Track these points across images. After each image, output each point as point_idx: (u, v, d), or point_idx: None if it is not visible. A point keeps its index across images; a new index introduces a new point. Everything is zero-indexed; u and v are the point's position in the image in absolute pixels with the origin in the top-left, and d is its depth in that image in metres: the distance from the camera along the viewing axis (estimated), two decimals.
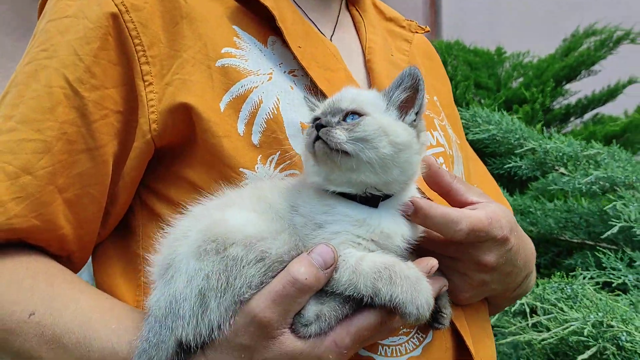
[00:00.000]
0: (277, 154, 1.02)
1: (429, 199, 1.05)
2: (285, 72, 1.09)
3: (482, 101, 3.41)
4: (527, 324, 1.74)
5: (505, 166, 2.36)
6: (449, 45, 3.89)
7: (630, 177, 2.12)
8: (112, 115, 1.03)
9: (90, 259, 1.14)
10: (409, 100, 0.94)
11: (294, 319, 0.87)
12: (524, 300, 1.77)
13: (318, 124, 0.89)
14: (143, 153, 1.04)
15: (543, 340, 1.63)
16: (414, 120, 0.94)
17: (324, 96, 1.07)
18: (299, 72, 1.09)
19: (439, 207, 0.93)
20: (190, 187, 1.03)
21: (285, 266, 0.87)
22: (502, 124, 2.31)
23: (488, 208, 0.99)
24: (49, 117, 1.00)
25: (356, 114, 0.90)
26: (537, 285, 1.85)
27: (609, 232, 1.89)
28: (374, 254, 0.89)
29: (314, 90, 1.08)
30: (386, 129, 0.89)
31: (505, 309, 1.80)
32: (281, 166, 1.02)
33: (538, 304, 1.78)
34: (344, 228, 0.89)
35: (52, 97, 1.01)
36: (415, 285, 0.86)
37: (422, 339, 1.03)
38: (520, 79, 3.76)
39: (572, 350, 1.65)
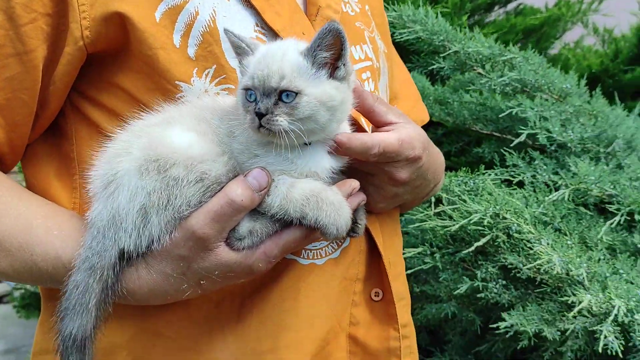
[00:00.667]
0: (213, 67, 1.04)
1: (359, 126, 1.13)
2: None
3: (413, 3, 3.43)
4: (432, 213, 1.96)
5: (429, 67, 2.47)
6: None
7: (540, 81, 2.30)
8: (41, 18, 1.01)
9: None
10: (334, 54, 0.95)
11: (229, 234, 0.97)
12: None
13: (259, 113, 0.91)
14: (74, 59, 1.04)
15: (446, 227, 1.86)
16: (344, 73, 0.97)
17: (256, 11, 1.08)
18: None
19: (357, 139, 1.02)
20: (124, 94, 1.06)
21: (223, 187, 0.95)
22: (427, 24, 2.38)
23: (403, 130, 1.08)
24: None
25: (290, 91, 0.92)
26: (445, 178, 2.05)
27: (517, 140, 2.08)
28: (303, 181, 0.98)
29: (250, 5, 1.09)
30: (322, 99, 0.93)
31: None
32: (217, 80, 1.05)
33: (444, 194, 1.99)
34: (276, 162, 0.97)
35: None
36: (338, 210, 0.97)
37: (340, 243, 1.17)
38: None
39: (469, 237, 1.90)
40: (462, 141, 2.78)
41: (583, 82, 2.47)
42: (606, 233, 1.88)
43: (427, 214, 1.95)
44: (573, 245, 1.74)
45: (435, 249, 1.95)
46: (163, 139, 0.96)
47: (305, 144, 0.99)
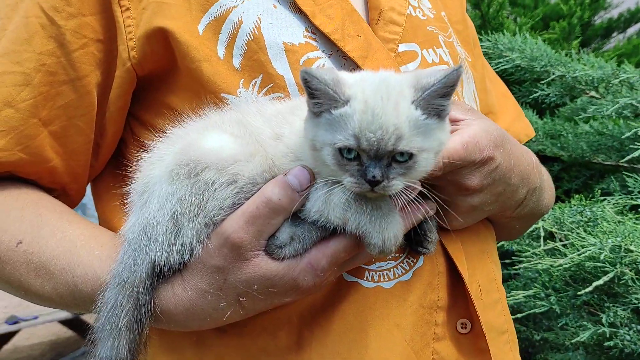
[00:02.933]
0: (260, 77, 0.99)
1: None
2: None
3: (518, 19, 3.27)
4: (542, 250, 1.74)
5: (532, 95, 2.28)
6: None
7: None
8: (92, 44, 1.02)
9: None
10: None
11: (268, 242, 0.87)
12: (539, 224, 1.76)
13: (372, 181, 0.80)
14: (125, 82, 1.03)
15: (559, 266, 1.64)
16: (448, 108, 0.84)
17: (306, 17, 1.02)
18: None
19: None
20: (176, 115, 1.01)
21: (260, 188, 0.87)
22: (525, 50, 2.21)
23: (468, 130, 0.95)
24: (26, 49, 0.99)
25: (407, 152, 0.80)
26: (555, 209, 1.83)
27: (629, 156, 1.83)
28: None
29: (299, 10, 1.03)
30: (437, 150, 0.83)
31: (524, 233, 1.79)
32: (264, 89, 0.99)
33: (555, 229, 1.76)
34: (324, 170, 0.86)
35: (29, 28, 1.00)
36: (385, 217, 0.85)
37: (412, 264, 1.02)
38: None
39: (590, 276, 1.65)
40: (584, 176, 2.51)
41: None
42: None
43: (535, 252, 1.73)
44: None
45: (550, 290, 1.72)
46: (196, 143, 0.90)
47: None
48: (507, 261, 1.99)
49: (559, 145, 2.37)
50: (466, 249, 1.06)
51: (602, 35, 3.55)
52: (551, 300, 1.69)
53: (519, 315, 1.60)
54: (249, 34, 1.00)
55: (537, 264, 1.72)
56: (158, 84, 1.05)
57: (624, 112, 2.05)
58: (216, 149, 0.89)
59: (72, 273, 0.97)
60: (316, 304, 0.99)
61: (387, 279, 1.00)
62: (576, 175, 2.54)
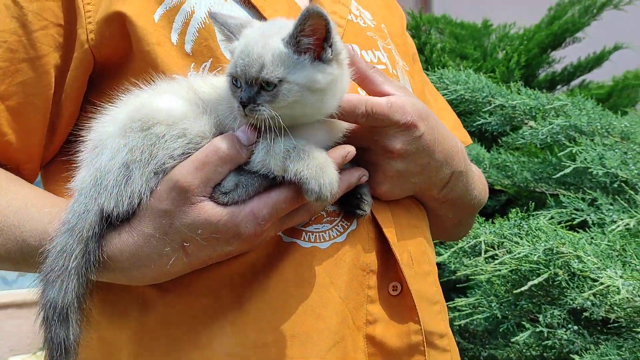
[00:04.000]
0: (209, 61, 1.07)
1: None
2: None
3: (461, 66, 3.47)
4: (482, 260, 1.80)
5: (476, 123, 2.42)
6: (435, 19, 3.96)
7: (594, 124, 2.17)
8: (52, 27, 1.09)
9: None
10: (318, 38, 0.92)
11: (214, 189, 0.92)
12: (481, 238, 1.83)
13: (241, 102, 0.91)
14: (83, 64, 1.09)
15: (496, 271, 1.69)
16: (330, 54, 0.94)
17: (255, 10, 1.12)
18: None
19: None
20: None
21: (208, 142, 0.94)
22: (469, 83, 2.36)
23: (395, 97, 1.03)
24: None
25: (269, 83, 0.91)
26: (495, 224, 1.91)
27: (562, 173, 1.94)
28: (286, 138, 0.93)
29: (249, 5, 1.12)
30: (305, 85, 0.92)
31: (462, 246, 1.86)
32: (213, 73, 1.07)
33: (496, 239, 1.83)
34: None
35: None
36: (322, 165, 0.92)
37: (346, 227, 1.07)
38: (506, 50, 3.81)
39: (526, 280, 1.71)
40: (528, 205, 2.60)
41: None
42: None
43: (476, 260, 1.79)
44: None
45: (492, 297, 1.77)
46: (148, 103, 0.97)
47: None
48: (453, 278, 2.04)
49: (504, 174, 2.47)
50: (396, 220, 1.12)
51: (547, 88, 3.76)
52: (492, 307, 1.74)
53: (464, 321, 1.64)
54: (200, 22, 1.09)
55: (477, 275, 1.77)
56: (115, 70, 1.12)
57: (559, 136, 2.18)
58: (167, 108, 0.96)
59: (21, 229, 1.00)
60: (256, 263, 1.03)
61: (322, 240, 1.05)
62: (523, 204, 2.64)
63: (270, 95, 0.91)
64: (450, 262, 1.99)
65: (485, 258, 1.78)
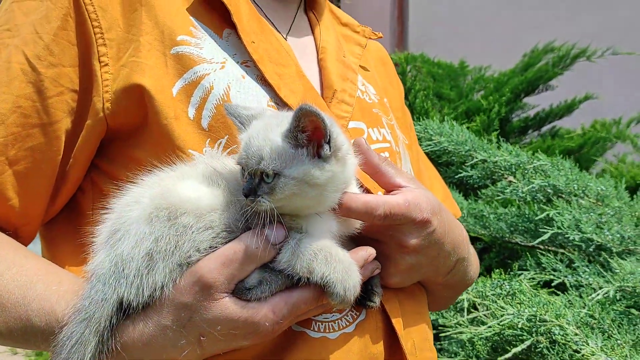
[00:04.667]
0: (225, 137, 1.07)
1: (367, 189, 1.10)
2: (238, 62, 1.13)
3: (442, 111, 3.53)
4: (465, 319, 1.82)
5: (457, 176, 2.46)
6: (412, 57, 4.02)
7: (571, 185, 2.23)
8: (68, 93, 1.07)
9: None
10: (315, 131, 0.92)
11: (237, 285, 0.92)
12: (464, 296, 1.85)
13: (244, 193, 0.92)
14: (95, 131, 1.08)
15: (480, 334, 1.72)
16: (329, 150, 0.94)
17: (271, 89, 1.12)
18: (251, 64, 1.13)
19: (359, 198, 0.98)
20: (139, 168, 1.06)
21: (234, 236, 0.93)
22: (452, 135, 2.41)
23: (410, 193, 1.04)
24: (4, 90, 1.04)
25: (267, 173, 0.92)
26: (477, 283, 1.94)
27: (540, 239, 1.99)
28: (313, 237, 0.95)
29: (265, 83, 1.13)
30: (301, 179, 0.92)
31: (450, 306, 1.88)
32: (228, 149, 1.07)
33: (478, 299, 1.86)
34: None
35: (10, 72, 1.05)
36: (347, 268, 0.93)
37: (355, 317, 1.07)
38: (481, 92, 3.90)
39: (509, 345, 1.74)
40: (503, 254, 2.66)
41: (622, 186, 2.39)
42: None
43: (459, 322, 1.81)
44: (625, 345, 1.56)
45: (474, 358, 1.79)
46: (174, 190, 0.96)
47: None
48: (434, 332, 2.05)
49: (481, 224, 2.52)
50: (403, 308, 1.14)
51: (519, 132, 3.86)
52: None
53: None
54: (218, 98, 1.09)
55: (460, 333, 1.80)
56: (126, 137, 1.11)
57: (537, 195, 2.24)
58: (194, 198, 0.95)
59: (26, 307, 0.97)
60: (265, 351, 1.02)
61: (332, 330, 1.06)
62: (496, 254, 2.70)
63: (269, 187, 0.92)
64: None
65: (469, 319, 1.80)
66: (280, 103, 1.13)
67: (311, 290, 0.94)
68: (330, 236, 0.98)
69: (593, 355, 1.50)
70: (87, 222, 1.11)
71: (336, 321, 1.06)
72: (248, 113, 1.00)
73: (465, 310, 1.85)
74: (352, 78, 1.28)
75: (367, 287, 1.04)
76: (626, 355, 1.50)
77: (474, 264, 1.33)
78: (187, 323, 0.91)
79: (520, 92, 3.82)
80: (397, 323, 1.10)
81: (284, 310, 0.93)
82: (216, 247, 0.93)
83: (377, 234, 1.05)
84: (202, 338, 0.92)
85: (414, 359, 1.11)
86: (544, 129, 3.94)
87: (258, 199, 0.91)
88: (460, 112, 3.19)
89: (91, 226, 1.08)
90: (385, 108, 1.36)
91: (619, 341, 1.56)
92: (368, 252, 0.99)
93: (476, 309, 1.91)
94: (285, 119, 0.96)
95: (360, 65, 1.36)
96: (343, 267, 0.92)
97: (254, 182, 0.93)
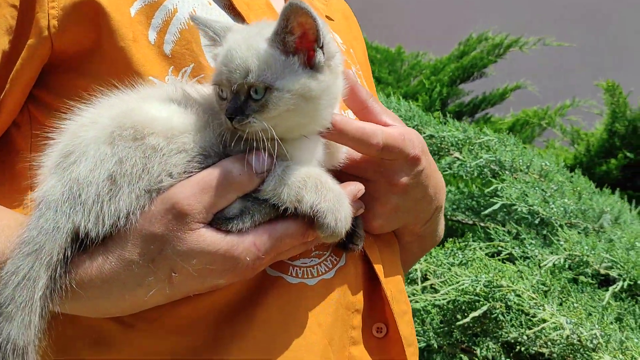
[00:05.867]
0: (191, 66, 0.96)
1: None
2: None
3: (383, 92, 3.53)
4: (419, 288, 1.79)
5: None
6: None
7: (517, 160, 2.26)
8: (5, 7, 0.93)
9: None
10: (304, 36, 0.83)
11: (215, 215, 0.82)
12: (417, 266, 1.82)
13: (229, 117, 0.81)
14: (37, 53, 0.94)
15: (436, 300, 1.69)
16: (323, 58, 0.85)
17: (239, 17, 1.03)
18: None
19: (354, 122, 0.91)
20: (86, 99, 0.93)
21: (212, 162, 0.83)
22: (400, 111, 2.38)
23: (403, 128, 0.98)
24: None
25: (257, 87, 0.81)
26: (430, 253, 1.92)
27: (490, 209, 2.00)
28: (300, 164, 0.86)
29: (233, 12, 1.03)
30: (297, 92, 0.82)
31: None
32: (194, 79, 0.96)
33: (432, 266, 1.84)
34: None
35: None
36: (338, 198, 0.84)
37: (335, 262, 1.00)
38: (418, 77, 3.94)
39: (463, 314, 1.73)
40: (445, 232, 2.67)
41: (562, 163, 2.44)
42: (611, 302, 1.72)
43: (414, 289, 1.78)
44: (579, 307, 1.58)
45: (428, 326, 1.76)
46: (140, 109, 0.83)
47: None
48: None
49: None
50: (382, 256, 1.07)
51: (454, 117, 3.92)
52: (429, 335, 1.73)
53: None
54: (183, 22, 0.97)
55: (415, 302, 1.76)
56: (72, 63, 0.97)
57: (485, 170, 2.25)
58: (164, 117, 0.83)
59: None
60: (235, 299, 0.93)
61: (310, 276, 0.97)
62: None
63: (259, 105, 0.81)
64: None
65: (425, 288, 1.77)
66: None
67: (297, 222, 0.85)
68: (317, 164, 0.89)
69: (552, 317, 1.49)
70: (23, 162, 0.97)
71: (315, 266, 0.98)
72: (222, 25, 0.89)
73: (419, 279, 1.82)
74: (321, 15, 1.21)
75: (349, 230, 0.95)
76: (582, 317, 1.52)
77: (442, 220, 1.29)
78: (156, 256, 0.80)
79: (456, 78, 3.88)
80: (379, 270, 1.03)
81: (267, 244, 0.83)
82: (192, 172, 0.82)
83: (366, 170, 0.97)
84: (173, 274, 0.81)
85: (394, 311, 1.04)
86: (477, 115, 4.03)
87: (248, 119, 0.80)
88: (398, 96, 3.21)
89: (28, 167, 0.95)
90: (352, 58, 1.29)
91: (575, 304, 1.57)
92: (357, 187, 0.91)
93: (427, 278, 1.88)
94: (267, 26, 0.85)
95: (325, 15, 1.30)
96: (334, 196, 0.83)
97: (239, 100, 0.81)
